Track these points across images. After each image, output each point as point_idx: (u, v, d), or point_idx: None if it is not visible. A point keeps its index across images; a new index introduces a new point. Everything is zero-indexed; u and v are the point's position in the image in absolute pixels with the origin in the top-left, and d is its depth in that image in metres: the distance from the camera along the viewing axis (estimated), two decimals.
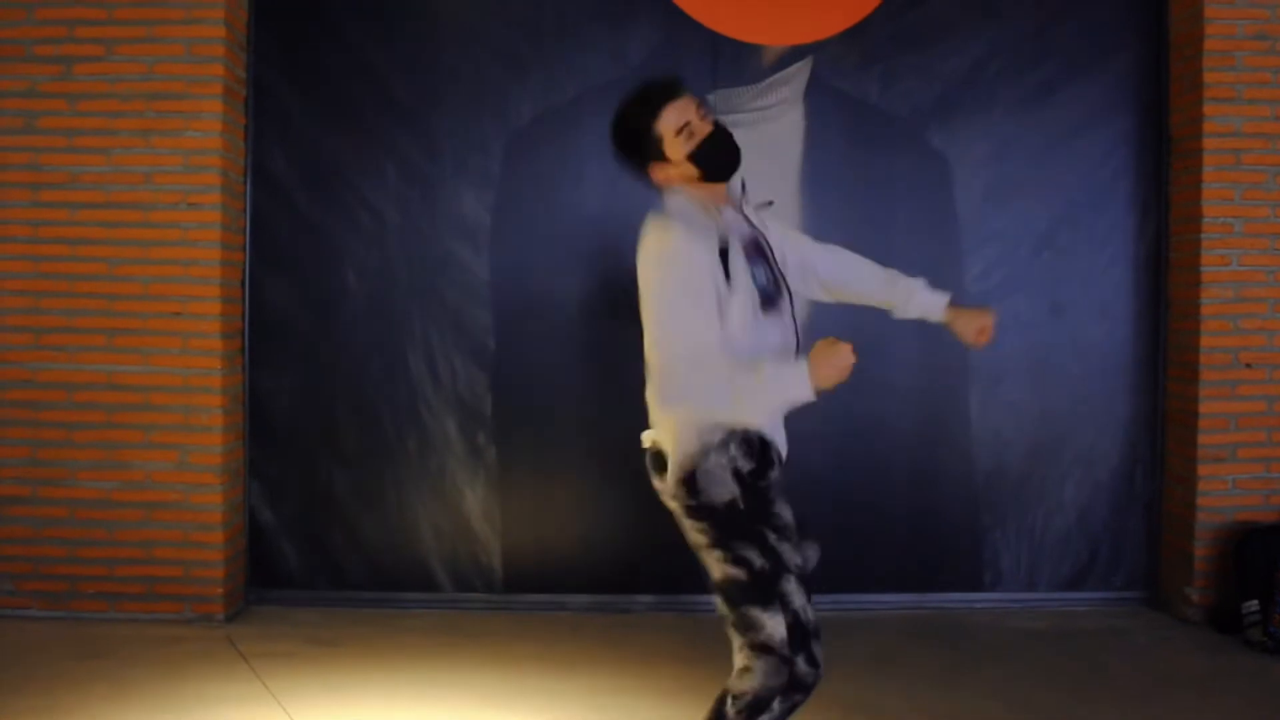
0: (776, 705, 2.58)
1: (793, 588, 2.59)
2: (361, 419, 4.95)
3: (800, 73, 4.95)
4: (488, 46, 4.95)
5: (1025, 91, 4.99)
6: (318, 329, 4.96)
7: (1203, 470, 4.75)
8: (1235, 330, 4.74)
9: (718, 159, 2.65)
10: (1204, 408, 4.74)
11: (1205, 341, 4.74)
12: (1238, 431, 4.75)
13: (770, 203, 2.86)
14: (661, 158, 2.66)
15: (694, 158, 2.63)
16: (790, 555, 2.63)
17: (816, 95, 4.96)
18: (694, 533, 2.66)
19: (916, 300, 2.97)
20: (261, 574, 4.96)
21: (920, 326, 4.92)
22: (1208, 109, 4.71)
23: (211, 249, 4.64)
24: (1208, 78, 4.71)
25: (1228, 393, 4.74)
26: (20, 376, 4.65)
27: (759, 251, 2.68)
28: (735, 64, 4.92)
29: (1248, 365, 4.74)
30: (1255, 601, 4.49)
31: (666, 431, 2.66)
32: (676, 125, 2.61)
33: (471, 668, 4.15)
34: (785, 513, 2.69)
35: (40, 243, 4.64)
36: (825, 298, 3.03)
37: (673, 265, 2.54)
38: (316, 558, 4.97)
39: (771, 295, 2.64)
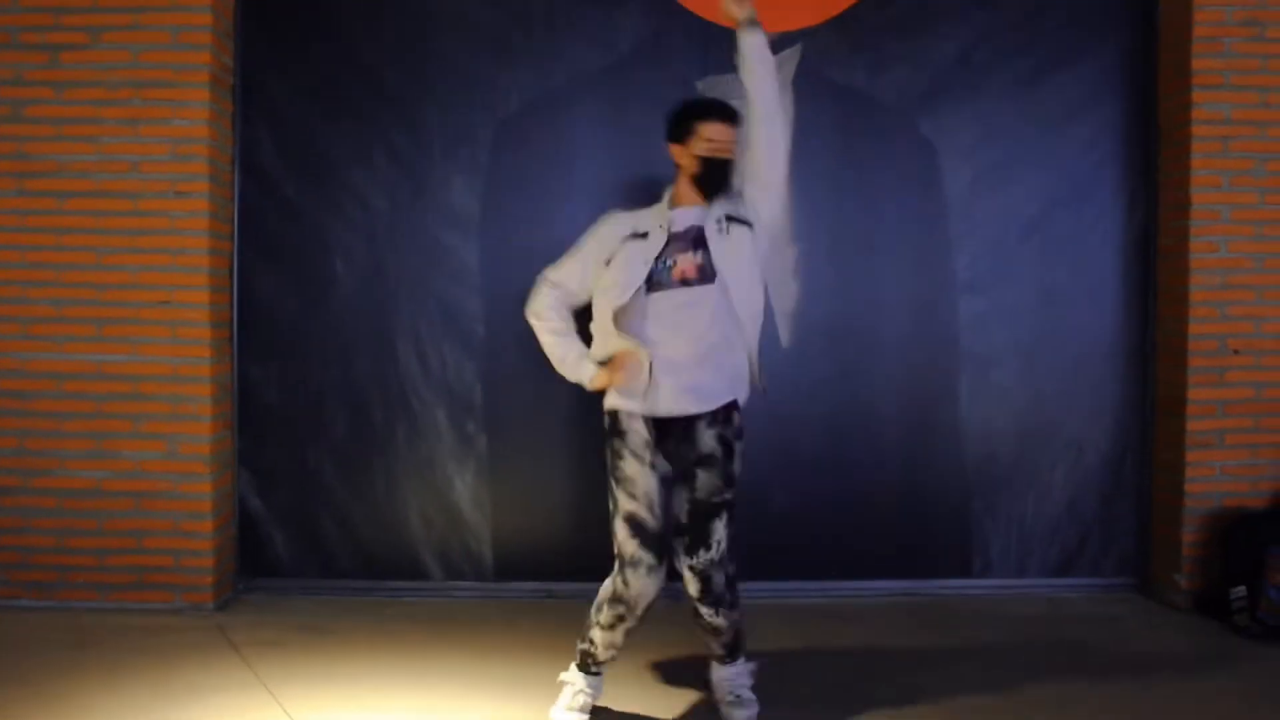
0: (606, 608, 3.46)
1: (618, 525, 3.42)
2: (351, 407, 4.95)
3: (789, 60, 4.93)
4: (477, 35, 4.94)
5: (1014, 78, 4.99)
6: (306, 318, 4.95)
7: (1191, 456, 4.76)
8: (1223, 317, 4.75)
9: (713, 177, 3.48)
10: (1192, 394, 4.76)
11: (1193, 328, 4.76)
12: (1225, 418, 4.76)
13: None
14: (683, 143, 3.49)
15: (702, 161, 3.46)
16: (625, 501, 3.40)
17: (805, 83, 4.95)
18: None
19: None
20: (251, 563, 4.96)
21: (909, 315, 4.97)
22: (1196, 95, 4.72)
23: (200, 238, 4.63)
24: (1196, 64, 4.71)
25: (1215, 379, 4.76)
26: (9, 366, 4.64)
27: (681, 241, 3.43)
28: (725, 51, 4.86)
29: (1235, 351, 4.76)
30: (1243, 587, 4.51)
31: None
32: (710, 135, 3.45)
33: (462, 655, 4.16)
34: (628, 467, 3.43)
35: (28, 232, 4.63)
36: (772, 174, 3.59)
37: (592, 230, 3.63)
38: (306, 546, 4.97)
39: (660, 280, 3.40)
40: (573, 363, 3.57)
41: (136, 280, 4.63)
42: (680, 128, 3.51)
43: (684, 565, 3.40)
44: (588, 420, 4.84)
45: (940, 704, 3.67)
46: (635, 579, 3.35)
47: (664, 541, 3.40)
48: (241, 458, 4.94)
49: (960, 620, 4.67)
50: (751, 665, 3.63)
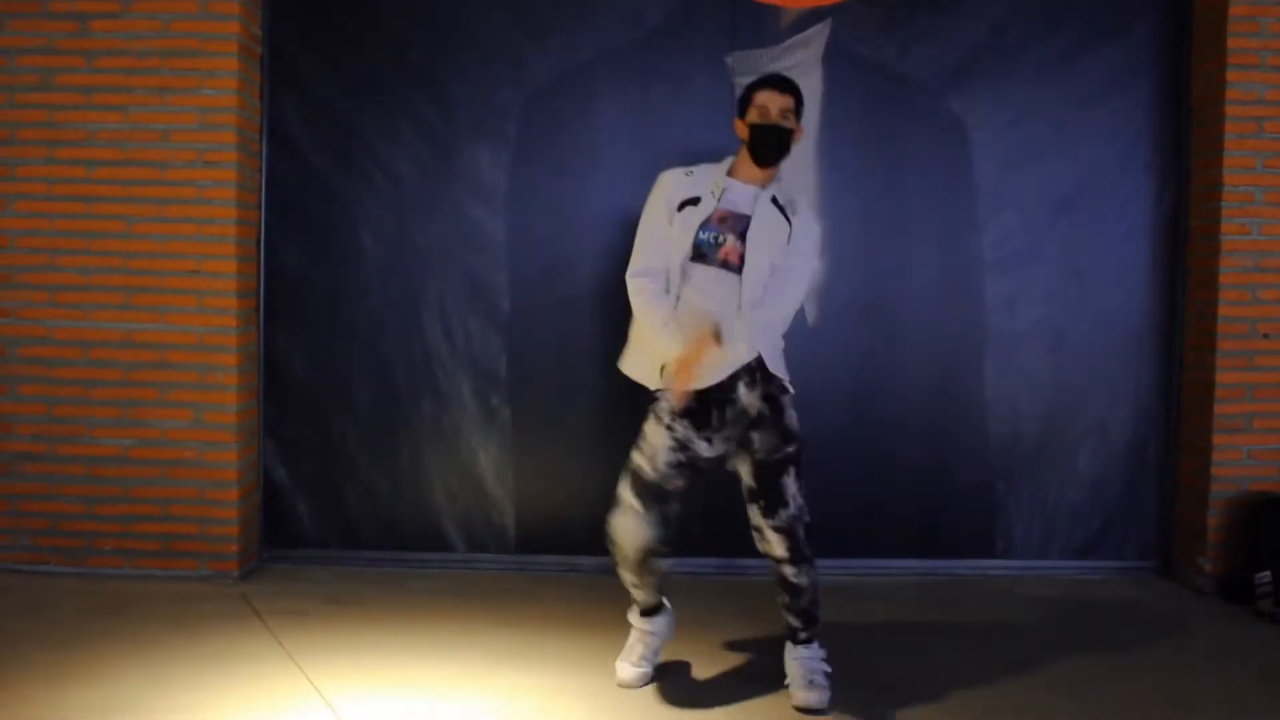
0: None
1: (622, 475, 3.52)
2: (376, 379, 4.97)
3: (819, 35, 4.91)
4: (505, 7, 4.92)
5: (1045, 57, 4.94)
6: (333, 289, 4.96)
7: (1218, 440, 4.74)
8: (1254, 300, 4.72)
9: (763, 143, 3.46)
10: (1221, 377, 4.73)
11: (1224, 311, 4.72)
12: (1254, 402, 4.73)
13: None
14: (743, 117, 3.51)
15: (751, 129, 3.47)
16: (635, 456, 3.51)
17: (835, 58, 4.93)
18: None
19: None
20: (276, 532, 5.00)
21: (936, 295, 4.95)
22: (1230, 75, 4.67)
23: (227, 207, 4.64)
24: (1231, 44, 4.66)
25: (1245, 363, 4.72)
26: (37, 334, 4.67)
27: (734, 224, 3.43)
28: (754, 26, 4.89)
29: (1265, 335, 4.72)
30: (1267, 572, 4.49)
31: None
32: (760, 101, 3.46)
33: (484, 627, 4.18)
34: (649, 427, 3.51)
35: (57, 200, 4.65)
36: None
37: (649, 200, 3.57)
38: (330, 517, 5.00)
39: (705, 252, 3.43)
40: (671, 332, 3.46)
41: (164, 249, 4.65)
42: (742, 102, 3.55)
43: (767, 528, 3.47)
44: (611, 393, 4.85)
45: (959, 680, 3.67)
46: (619, 519, 3.49)
47: (658, 495, 3.45)
48: (267, 428, 4.97)
49: (981, 600, 4.66)
50: (824, 653, 3.59)
